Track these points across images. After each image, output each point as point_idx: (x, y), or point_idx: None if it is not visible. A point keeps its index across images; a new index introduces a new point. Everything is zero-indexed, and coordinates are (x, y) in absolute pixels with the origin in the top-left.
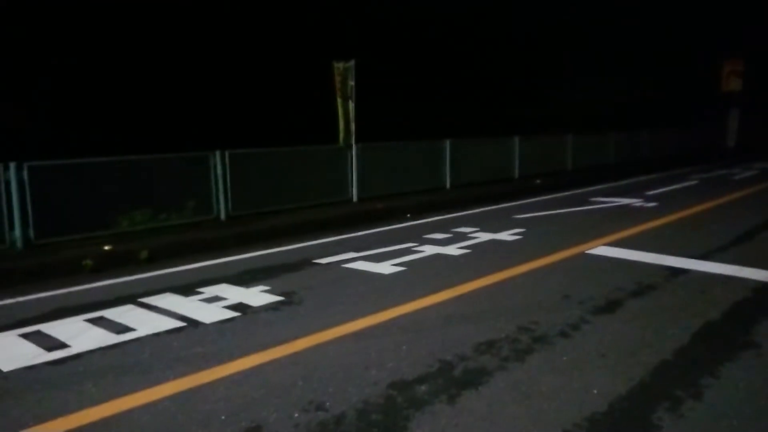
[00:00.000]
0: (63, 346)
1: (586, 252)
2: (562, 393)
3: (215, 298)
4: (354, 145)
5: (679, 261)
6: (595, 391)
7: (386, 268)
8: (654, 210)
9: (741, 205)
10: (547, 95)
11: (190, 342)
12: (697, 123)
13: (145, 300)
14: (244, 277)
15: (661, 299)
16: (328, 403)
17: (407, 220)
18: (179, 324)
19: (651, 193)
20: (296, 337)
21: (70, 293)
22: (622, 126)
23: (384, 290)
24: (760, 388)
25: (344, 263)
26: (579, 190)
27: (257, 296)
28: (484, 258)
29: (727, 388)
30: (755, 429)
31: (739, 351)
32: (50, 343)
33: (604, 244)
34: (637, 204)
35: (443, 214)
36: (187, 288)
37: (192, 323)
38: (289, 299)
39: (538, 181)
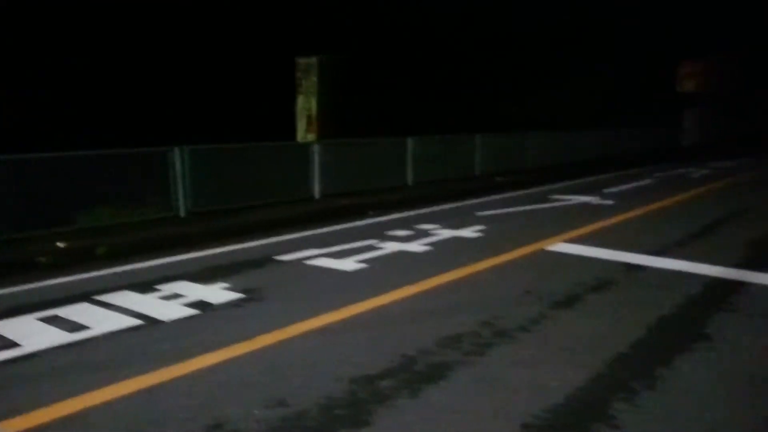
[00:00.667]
0: (14, 345)
1: (547, 248)
2: (522, 386)
3: (175, 296)
4: (317, 142)
5: (636, 257)
6: (554, 384)
7: (349, 264)
8: (612, 207)
9: (695, 203)
10: (515, 95)
11: (148, 340)
12: (655, 122)
13: (102, 298)
14: (204, 274)
15: (619, 294)
16: (290, 399)
17: (370, 216)
18: (137, 322)
19: (609, 191)
20: (258, 334)
21: (23, 291)
22: (584, 125)
23: (347, 287)
24: (712, 379)
25: (307, 260)
26: (540, 188)
27: (218, 293)
28: (446, 254)
29: (680, 378)
30: (707, 417)
31: (692, 343)
32: (1, 343)
33: (564, 241)
34: (596, 201)
35: (406, 211)
36: (145, 285)
37: (150, 321)
38: (251, 296)
39: (499, 179)
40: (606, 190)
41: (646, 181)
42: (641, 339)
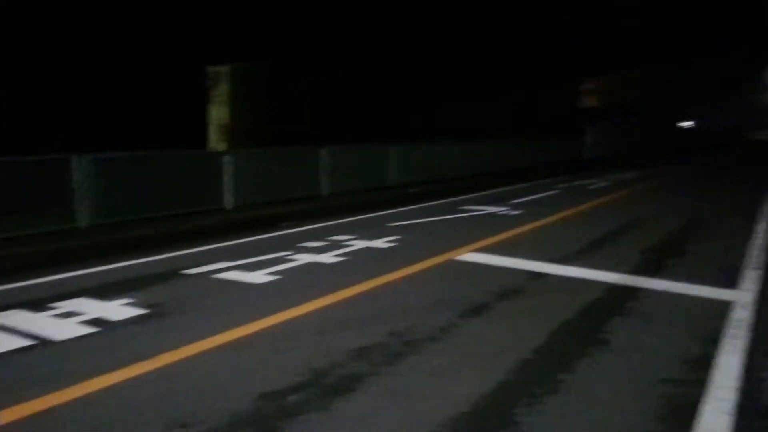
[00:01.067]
0: None
1: (456, 258)
2: (430, 395)
3: (71, 314)
4: (228, 151)
5: (540, 265)
6: (460, 391)
7: (259, 277)
8: (519, 217)
9: (596, 213)
10: (428, 108)
11: (39, 362)
12: (559, 136)
13: None
14: (105, 290)
15: (524, 302)
16: (193, 420)
17: (283, 228)
18: (28, 342)
19: (517, 201)
20: (161, 352)
21: None
22: (494, 138)
23: (257, 300)
24: (609, 381)
25: (215, 273)
26: (452, 199)
27: (119, 310)
28: (359, 265)
29: (580, 382)
30: (602, 418)
31: (592, 347)
32: None
33: (473, 251)
34: (504, 212)
35: (319, 222)
36: (39, 303)
37: (43, 341)
38: (155, 312)
39: (412, 189)
40: (514, 201)
41: (551, 192)
42: (544, 345)
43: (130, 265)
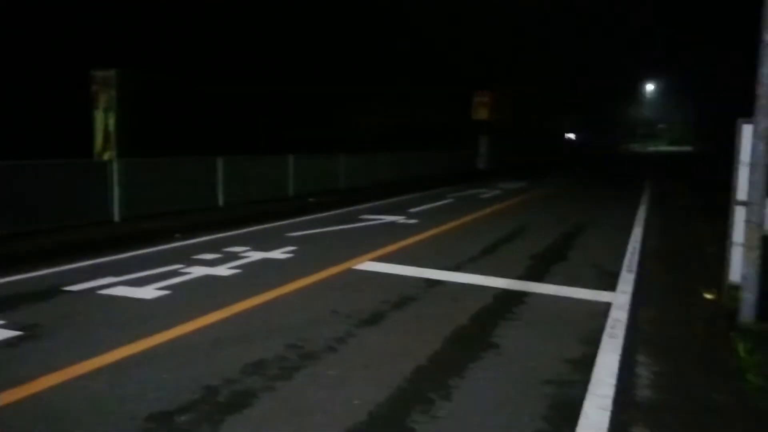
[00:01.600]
0: None
1: (354, 268)
2: (327, 406)
3: None
4: (116, 160)
5: (435, 273)
6: (357, 402)
7: (149, 292)
8: (415, 226)
9: (486, 221)
10: (329, 117)
11: None
12: (453, 147)
13: None
14: None
15: (420, 309)
16: None
17: (176, 240)
18: None
19: (413, 210)
20: (38, 376)
21: None
22: (391, 148)
23: (146, 316)
24: (499, 384)
25: (101, 289)
26: (350, 208)
27: None
28: (255, 277)
29: (472, 386)
30: (494, 420)
31: (482, 352)
32: None
33: (371, 260)
34: (401, 221)
35: (215, 234)
36: None
37: None
38: (32, 333)
39: (311, 200)
40: (410, 210)
41: (446, 201)
42: (438, 351)
43: (4, 282)
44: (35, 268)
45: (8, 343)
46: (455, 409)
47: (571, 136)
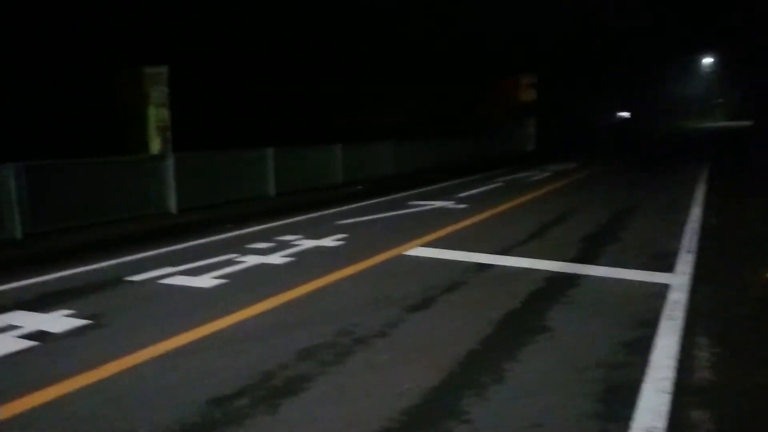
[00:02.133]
0: None
1: (404, 253)
2: (379, 391)
3: (7, 328)
4: (171, 154)
5: (485, 257)
6: (409, 386)
7: (206, 281)
8: (464, 211)
9: (537, 204)
10: (374, 105)
11: None
12: (502, 129)
13: None
14: (43, 302)
15: (470, 294)
16: (140, 430)
17: (229, 230)
18: None
19: (462, 195)
20: (105, 362)
21: None
22: (438, 133)
23: (204, 304)
24: (552, 367)
25: (160, 279)
26: (398, 195)
27: (59, 321)
28: (307, 265)
29: (525, 370)
30: (547, 403)
31: (535, 335)
32: None
33: (421, 245)
34: (450, 206)
35: (267, 223)
36: None
37: None
38: (98, 322)
39: (360, 188)
40: (459, 195)
41: (495, 185)
42: (490, 335)
43: (70, 274)
44: (98, 260)
45: (77, 332)
46: (508, 392)
47: (625, 114)
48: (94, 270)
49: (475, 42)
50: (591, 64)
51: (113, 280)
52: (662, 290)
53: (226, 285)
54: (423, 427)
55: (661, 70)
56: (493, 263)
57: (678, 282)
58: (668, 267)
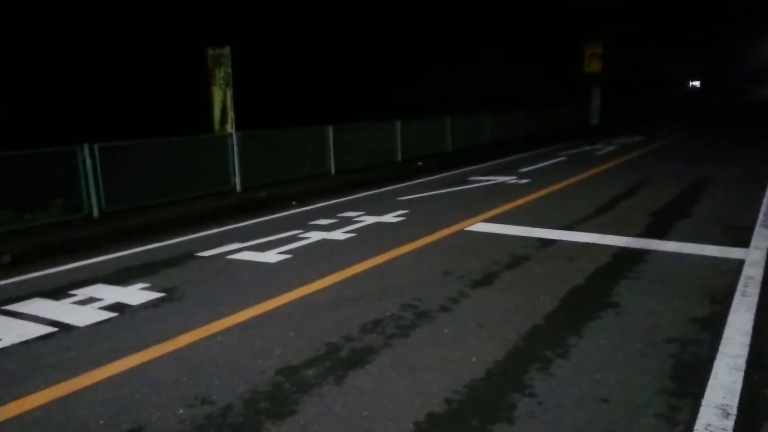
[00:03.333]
0: None
1: (466, 229)
2: (443, 364)
3: (90, 300)
4: (234, 134)
5: (548, 232)
6: (474, 359)
7: (272, 256)
8: (526, 186)
9: (602, 178)
10: (426, 80)
11: (62, 347)
12: (564, 102)
13: (9, 307)
14: (121, 276)
15: (533, 269)
16: (214, 396)
17: (292, 207)
18: (50, 330)
19: (524, 170)
20: (179, 333)
21: None
22: (496, 107)
23: (270, 279)
24: (618, 343)
25: (228, 255)
26: (458, 170)
27: (136, 294)
28: (369, 241)
29: (590, 345)
30: (613, 379)
31: (600, 311)
32: None
33: (482, 221)
34: (512, 181)
35: (328, 200)
36: (57, 291)
37: (64, 328)
38: (171, 295)
39: (420, 164)
40: (521, 170)
41: (558, 159)
42: (554, 311)
43: (144, 250)
44: (170, 236)
45: (153, 304)
46: (573, 367)
47: (696, 83)
48: (167, 246)
49: (539, 11)
50: (660, 29)
51: (185, 256)
52: (736, 266)
53: (291, 260)
54: (487, 400)
55: (736, 32)
56: (557, 238)
57: (754, 258)
58: (743, 242)
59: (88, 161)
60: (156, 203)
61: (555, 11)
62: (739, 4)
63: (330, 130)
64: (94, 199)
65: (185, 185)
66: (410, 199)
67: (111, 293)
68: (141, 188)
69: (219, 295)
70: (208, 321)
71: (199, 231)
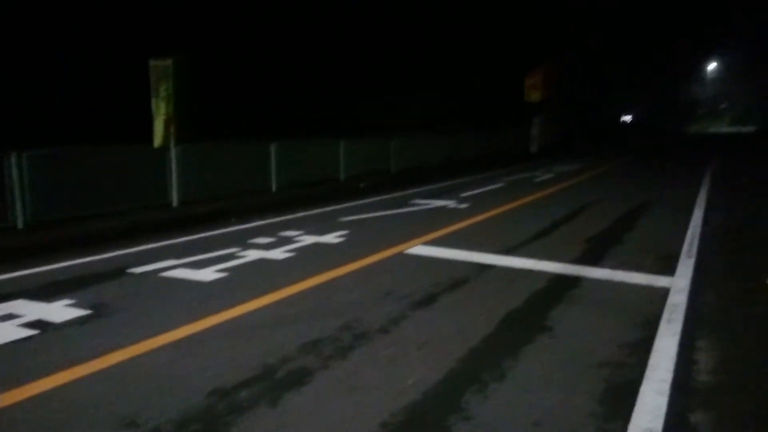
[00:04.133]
0: None
1: (406, 251)
2: (381, 386)
3: (8, 317)
4: (174, 146)
5: (487, 257)
6: (410, 381)
7: (208, 274)
8: (466, 210)
9: (540, 204)
10: (373, 101)
11: None
12: (506, 129)
13: None
14: (45, 291)
15: (472, 292)
16: (141, 418)
17: (232, 224)
18: None
19: (465, 194)
20: (106, 352)
21: None
22: (442, 131)
23: (205, 297)
24: (552, 366)
25: (162, 271)
26: (401, 192)
27: (61, 311)
28: (308, 260)
29: (525, 368)
30: (547, 402)
31: (536, 335)
32: None
33: (423, 243)
34: (452, 205)
35: (269, 218)
36: None
37: None
38: (99, 312)
39: (362, 184)
40: (462, 194)
41: (498, 185)
42: (491, 333)
43: (72, 264)
44: (100, 251)
45: (78, 321)
46: (509, 390)
47: (628, 117)
48: (98, 261)
49: (486, 37)
50: (597, 66)
51: (115, 271)
52: (663, 293)
53: (228, 279)
54: (424, 423)
55: (665, 73)
56: (495, 263)
57: (679, 285)
58: (670, 270)
59: (15, 170)
60: (88, 215)
61: (501, 45)
62: (671, 47)
63: (273, 146)
64: (19, 210)
65: (120, 198)
66: (351, 219)
67: (33, 309)
68: (72, 200)
69: (151, 313)
70: (138, 340)
71: (132, 246)
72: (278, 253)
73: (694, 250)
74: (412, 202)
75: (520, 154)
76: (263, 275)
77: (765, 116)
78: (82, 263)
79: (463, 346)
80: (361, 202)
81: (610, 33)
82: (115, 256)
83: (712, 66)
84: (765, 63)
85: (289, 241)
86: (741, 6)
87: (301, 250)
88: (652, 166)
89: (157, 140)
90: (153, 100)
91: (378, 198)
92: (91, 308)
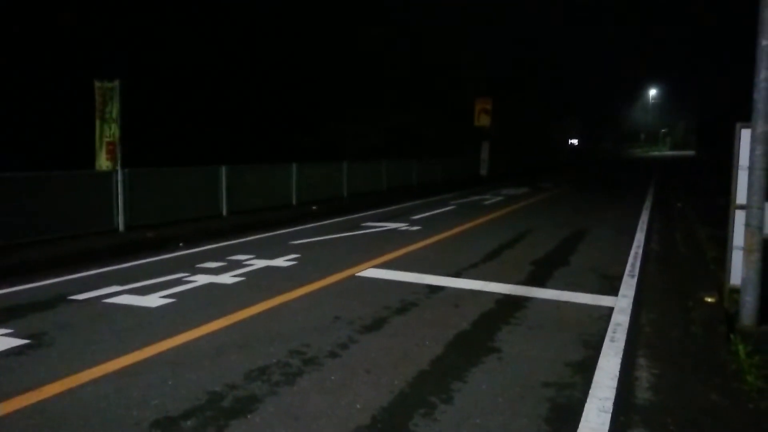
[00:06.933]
0: None
1: (357, 275)
2: (329, 411)
3: None
4: (120, 170)
5: (437, 279)
6: (359, 406)
7: (154, 300)
8: (417, 233)
9: (489, 227)
10: (324, 126)
11: None
12: (456, 153)
13: None
14: None
15: (422, 315)
16: None
17: (180, 249)
18: None
19: (416, 217)
20: (44, 383)
21: None
22: (393, 155)
23: (150, 324)
24: (499, 388)
25: (106, 298)
26: (353, 216)
27: None
28: (258, 285)
29: (473, 390)
30: (493, 423)
31: (484, 356)
32: None
33: (374, 267)
34: (403, 228)
35: (219, 242)
36: None
37: None
38: (38, 342)
39: (314, 208)
40: (413, 217)
41: (448, 208)
42: (440, 356)
43: (9, 292)
44: (40, 278)
45: (15, 351)
46: (456, 412)
47: (574, 141)
48: (37, 288)
49: (434, 67)
50: (543, 92)
51: (56, 299)
52: (607, 313)
53: (174, 305)
54: None
55: (609, 99)
56: (445, 285)
57: (621, 305)
58: (613, 290)
59: None
60: (27, 242)
61: (449, 71)
62: (615, 76)
63: (223, 170)
64: None
65: (62, 223)
66: (303, 243)
67: None
68: (8, 225)
69: (92, 342)
70: (78, 369)
71: (74, 272)
72: (227, 278)
73: (637, 270)
74: (364, 225)
75: (470, 179)
76: (211, 300)
77: (703, 142)
78: (19, 290)
79: (412, 370)
80: (314, 225)
81: (556, 66)
82: (56, 283)
83: (652, 92)
84: (702, 89)
85: (239, 265)
86: (678, 36)
87: (251, 275)
88: (597, 189)
89: (100, 163)
90: (97, 122)
91: (330, 221)
92: (28, 338)
